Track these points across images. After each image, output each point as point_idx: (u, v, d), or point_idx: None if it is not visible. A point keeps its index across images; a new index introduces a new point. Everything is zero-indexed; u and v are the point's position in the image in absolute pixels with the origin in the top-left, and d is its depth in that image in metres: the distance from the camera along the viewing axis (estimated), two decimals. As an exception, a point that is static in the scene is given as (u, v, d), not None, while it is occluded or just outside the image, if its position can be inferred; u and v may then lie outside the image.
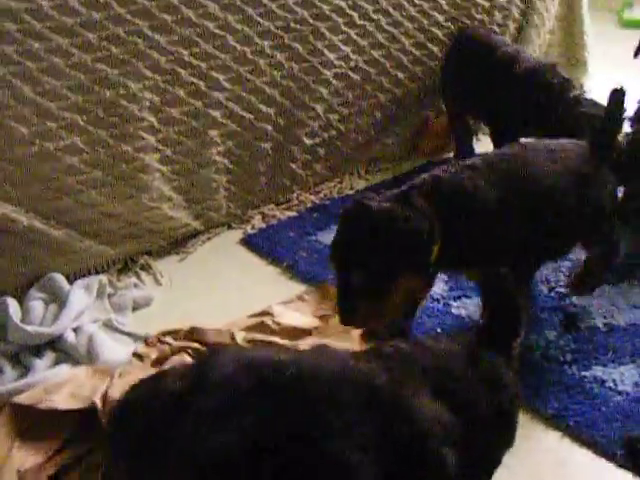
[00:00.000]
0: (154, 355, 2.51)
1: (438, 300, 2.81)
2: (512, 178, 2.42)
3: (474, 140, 3.82)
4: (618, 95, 2.62)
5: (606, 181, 2.60)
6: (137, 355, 2.57)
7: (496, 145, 3.41)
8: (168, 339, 2.59)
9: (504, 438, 1.91)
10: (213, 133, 3.22)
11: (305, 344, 2.54)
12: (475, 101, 3.57)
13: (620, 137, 3.20)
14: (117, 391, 2.20)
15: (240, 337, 2.54)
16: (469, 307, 2.79)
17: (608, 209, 2.63)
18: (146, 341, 2.65)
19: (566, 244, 2.64)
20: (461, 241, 2.30)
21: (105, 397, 2.23)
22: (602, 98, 3.46)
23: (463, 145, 3.73)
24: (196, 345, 2.53)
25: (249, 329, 2.60)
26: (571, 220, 2.51)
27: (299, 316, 2.72)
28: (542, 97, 3.24)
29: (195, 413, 1.61)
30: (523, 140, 2.72)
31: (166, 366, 2.40)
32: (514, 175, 2.43)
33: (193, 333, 2.58)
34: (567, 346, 2.61)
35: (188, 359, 2.44)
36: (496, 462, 1.90)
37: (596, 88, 3.75)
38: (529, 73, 3.35)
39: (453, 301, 2.81)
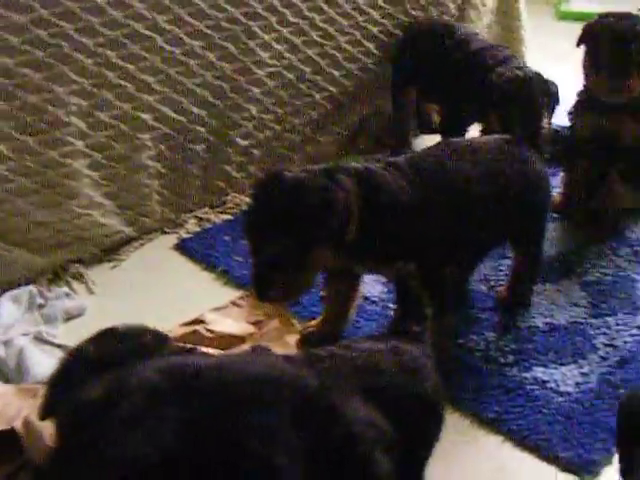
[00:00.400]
0: None
1: (376, 303, 2.77)
2: (433, 179, 2.40)
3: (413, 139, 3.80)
4: (542, 86, 2.61)
5: (535, 179, 2.58)
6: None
7: (447, 131, 3.47)
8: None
9: (432, 431, 1.90)
10: (144, 137, 3.14)
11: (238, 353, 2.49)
12: (432, 87, 3.62)
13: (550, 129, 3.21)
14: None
15: None
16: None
17: (538, 208, 2.62)
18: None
19: (492, 243, 2.66)
20: (379, 235, 2.28)
21: (26, 420, 2.13)
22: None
23: (403, 139, 3.72)
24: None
25: (181, 339, 2.53)
26: (493, 221, 2.50)
27: (233, 323, 2.66)
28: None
29: (115, 420, 1.57)
30: (449, 140, 2.66)
31: None
32: (436, 176, 2.41)
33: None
34: (507, 347, 2.58)
35: None
36: (426, 457, 1.89)
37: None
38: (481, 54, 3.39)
39: (391, 303, 2.73)
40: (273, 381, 1.69)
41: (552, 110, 3.12)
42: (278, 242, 2.13)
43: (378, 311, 2.74)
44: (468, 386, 2.43)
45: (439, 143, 2.68)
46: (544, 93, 3.08)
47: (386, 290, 2.81)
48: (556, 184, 3.32)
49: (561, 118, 3.36)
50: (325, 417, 1.67)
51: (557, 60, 4.26)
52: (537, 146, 2.67)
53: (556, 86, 3.14)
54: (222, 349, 2.53)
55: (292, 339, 2.58)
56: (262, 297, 2.24)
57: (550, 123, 3.03)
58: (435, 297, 2.38)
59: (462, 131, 3.48)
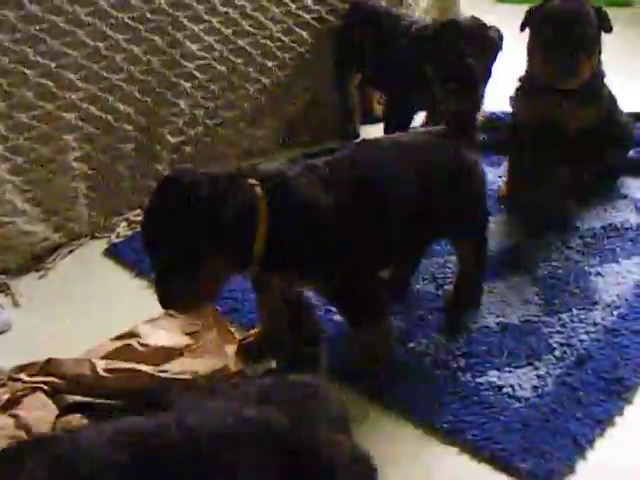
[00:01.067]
0: (5, 396, 2.26)
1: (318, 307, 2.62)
2: (352, 182, 2.25)
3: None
4: (470, 71, 2.48)
5: (466, 170, 2.45)
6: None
7: (391, 120, 3.39)
8: (22, 376, 2.35)
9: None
10: (68, 137, 2.99)
11: (174, 368, 2.38)
12: (376, 72, 3.52)
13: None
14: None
15: (101, 366, 2.33)
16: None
17: (472, 200, 2.49)
18: None
19: (426, 241, 2.57)
20: (290, 245, 2.15)
21: None
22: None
23: (351, 128, 3.66)
24: (53, 379, 2.32)
25: (112, 355, 2.38)
26: (424, 219, 2.38)
27: (168, 335, 2.51)
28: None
29: None
30: (372, 137, 2.53)
31: (20, 410, 2.20)
32: (355, 179, 2.26)
33: (49, 366, 2.35)
34: (459, 350, 2.46)
35: (44, 398, 2.24)
36: None
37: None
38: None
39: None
40: (246, 433, 1.58)
41: (493, 56, 3.06)
42: (167, 251, 2.04)
43: (321, 315, 2.59)
44: (419, 394, 2.29)
45: (361, 141, 2.53)
46: (477, 37, 3.03)
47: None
48: (500, 173, 3.22)
49: (502, 104, 3.26)
50: (300, 453, 1.59)
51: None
52: (470, 134, 2.51)
53: (497, 31, 3.07)
54: (157, 364, 2.39)
55: (231, 349, 2.44)
56: (164, 305, 2.13)
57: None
58: (365, 306, 2.29)
59: (407, 119, 3.37)
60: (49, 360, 2.36)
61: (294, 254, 2.16)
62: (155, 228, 2.06)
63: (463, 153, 2.43)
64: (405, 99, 3.40)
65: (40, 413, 2.21)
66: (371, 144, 2.45)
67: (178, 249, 2.02)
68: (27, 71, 2.84)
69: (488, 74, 3.03)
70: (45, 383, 2.30)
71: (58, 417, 2.21)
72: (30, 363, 2.38)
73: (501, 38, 3.10)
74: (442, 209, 2.39)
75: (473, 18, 3.11)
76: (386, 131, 3.36)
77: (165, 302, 2.11)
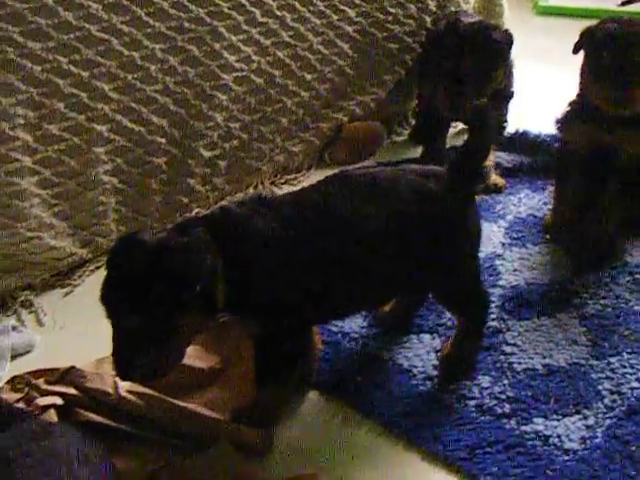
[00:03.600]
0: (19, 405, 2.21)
1: (356, 340, 2.52)
2: (311, 221, 2.11)
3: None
4: (481, 116, 2.31)
5: (451, 223, 2.23)
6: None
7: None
8: (40, 382, 2.26)
9: None
10: (99, 150, 2.89)
11: (201, 397, 2.30)
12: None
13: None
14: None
15: (123, 387, 2.22)
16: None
17: (456, 261, 2.29)
18: (13, 382, 2.30)
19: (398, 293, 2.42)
20: (242, 286, 2.02)
21: None
22: (525, 90, 3.25)
23: (433, 141, 3.49)
24: (73, 391, 2.23)
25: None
26: (391, 273, 2.21)
27: (199, 353, 2.40)
28: None
29: None
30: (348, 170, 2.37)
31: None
32: (315, 217, 2.11)
33: (71, 375, 2.27)
34: (503, 394, 2.32)
35: (54, 418, 2.15)
36: None
37: (518, 79, 3.46)
38: None
39: (372, 340, 2.52)
40: None
41: (498, 61, 3.05)
42: (131, 318, 1.90)
43: (357, 349, 2.49)
44: (462, 442, 2.17)
45: (334, 175, 2.30)
46: (478, 40, 2.99)
47: (366, 324, 2.54)
48: (545, 199, 3.09)
49: (547, 126, 3.15)
50: None
51: (536, 56, 4.11)
52: (469, 182, 2.28)
53: (505, 34, 3.04)
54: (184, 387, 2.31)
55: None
56: (125, 379, 2.03)
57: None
58: (289, 356, 2.20)
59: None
60: (71, 368, 2.28)
61: (245, 295, 2.04)
62: (115, 296, 1.93)
63: (451, 204, 2.22)
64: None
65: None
66: (345, 177, 2.26)
67: (145, 316, 1.89)
68: (59, 81, 2.74)
69: (499, 84, 3.05)
70: (63, 395, 2.21)
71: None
72: (51, 369, 2.30)
73: (510, 42, 2.98)
74: (413, 263, 2.21)
75: (479, 19, 2.98)
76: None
77: (126, 376, 2.00)
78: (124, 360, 1.95)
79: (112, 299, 1.95)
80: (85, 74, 2.80)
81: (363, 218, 2.12)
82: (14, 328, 2.64)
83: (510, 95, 3.40)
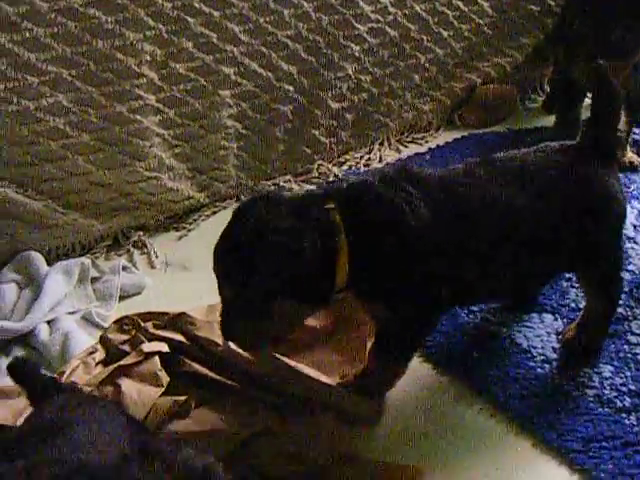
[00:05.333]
0: (125, 347, 2.19)
1: (534, 358, 2.40)
2: (461, 205, 1.99)
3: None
4: (601, 77, 2.14)
5: (601, 199, 2.11)
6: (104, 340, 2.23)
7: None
8: (149, 326, 2.23)
9: None
10: (224, 93, 2.84)
11: (310, 357, 2.22)
12: None
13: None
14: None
15: None
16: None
17: (605, 235, 2.16)
18: (120, 323, 2.28)
19: (534, 279, 2.28)
20: (377, 270, 1.92)
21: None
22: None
23: (568, 111, 3.30)
24: (180, 338, 2.19)
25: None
26: (536, 256, 2.08)
27: None
28: None
29: None
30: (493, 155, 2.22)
31: (126, 380, 2.07)
32: (465, 201, 1.99)
33: (180, 321, 2.22)
34: (625, 386, 2.18)
35: (157, 366, 2.11)
36: None
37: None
38: None
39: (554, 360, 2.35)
40: None
41: None
42: (232, 288, 1.89)
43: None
44: (578, 433, 2.04)
45: (482, 160, 2.14)
46: None
47: (553, 340, 2.36)
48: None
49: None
50: None
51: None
52: (608, 155, 2.17)
53: None
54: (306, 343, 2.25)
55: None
56: (229, 340, 2.03)
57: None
58: (409, 344, 2.11)
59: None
60: (181, 314, 2.24)
61: (380, 281, 1.94)
62: (225, 259, 1.90)
63: (599, 176, 2.11)
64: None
65: (145, 388, 2.06)
66: (493, 162, 2.13)
67: (246, 289, 1.85)
68: (190, 19, 2.69)
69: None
70: (169, 341, 2.17)
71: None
72: (160, 312, 2.27)
73: None
74: (563, 245, 2.10)
75: None
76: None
77: (228, 337, 1.99)
78: (224, 324, 1.93)
79: (216, 262, 1.92)
80: (216, 14, 2.74)
81: (515, 204, 2.01)
82: (124, 268, 2.61)
83: None
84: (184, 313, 2.23)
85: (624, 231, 2.37)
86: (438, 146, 3.30)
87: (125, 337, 2.22)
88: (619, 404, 2.13)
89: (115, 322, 2.29)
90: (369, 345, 2.19)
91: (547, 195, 2.05)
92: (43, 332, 2.33)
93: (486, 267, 2.02)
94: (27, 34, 2.41)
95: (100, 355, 2.19)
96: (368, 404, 2.08)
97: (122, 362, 2.11)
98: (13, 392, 2.03)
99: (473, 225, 1.99)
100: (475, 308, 2.40)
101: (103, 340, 2.21)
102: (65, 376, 2.08)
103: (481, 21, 3.37)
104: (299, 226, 1.84)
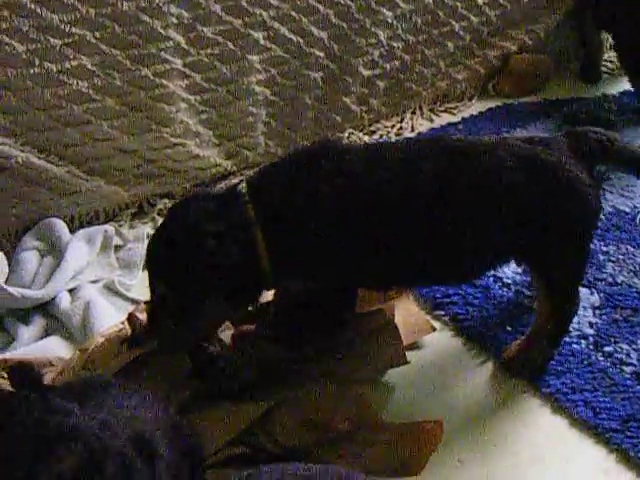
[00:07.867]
0: None
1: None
2: (379, 180, 1.88)
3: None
4: None
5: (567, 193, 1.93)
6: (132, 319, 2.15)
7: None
8: None
9: None
10: (253, 58, 2.77)
11: None
12: None
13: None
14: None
15: None
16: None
17: (553, 242, 1.97)
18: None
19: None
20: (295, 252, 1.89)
21: None
22: None
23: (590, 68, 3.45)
24: None
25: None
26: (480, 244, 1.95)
27: None
28: None
29: None
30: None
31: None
32: (383, 177, 1.88)
33: None
34: (665, 363, 2.11)
35: None
36: None
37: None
38: None
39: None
40: None
41: None
42: (158, 286, 1.89)
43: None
44: (615, 411, 1.97)
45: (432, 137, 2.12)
46: None
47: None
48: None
49: None
50: None
51: None
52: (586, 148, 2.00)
53: None
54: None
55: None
56: (154, 337, 1.98)
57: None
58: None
59: None
60: None
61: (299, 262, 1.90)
62: (153, 261, 1.92)
63: (556, 171, 1.92)
64: None
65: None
66: (439, 138, 2.05)
67: (177, 289, 1.85)
68: (218, -19, 2.63)
69: None
70: None
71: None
72: None
73: None
74: (497, 235, 1.94)
75: None
76: None
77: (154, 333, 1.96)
78: (151, 327, 1.94)
79: (148, 263, 1.94)
80: (246, -24, 2.67)
81: (450, 183, 1.88)
82: (149, 236, 2.54)
83: None
84: None
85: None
86: (472, 116, 3.24)
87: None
88: (658, 382, 2.06)
89: (147, 303, 2.22)
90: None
91: (484, 177, 1.90)
92: (64, 301, 2.29)
93: (400, 249, 1.91)
94: (50, -6, 2.36)
95: (126, 333, 2.14)
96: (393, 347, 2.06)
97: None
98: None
99: (386, 201, 1.87)
100: (509, 281, 2.34)
101: (131, 318, 2.15)
102: (88, 353, 2.03)
103: (517, -12, 3.30)
104: (218, 228, 1.82)
